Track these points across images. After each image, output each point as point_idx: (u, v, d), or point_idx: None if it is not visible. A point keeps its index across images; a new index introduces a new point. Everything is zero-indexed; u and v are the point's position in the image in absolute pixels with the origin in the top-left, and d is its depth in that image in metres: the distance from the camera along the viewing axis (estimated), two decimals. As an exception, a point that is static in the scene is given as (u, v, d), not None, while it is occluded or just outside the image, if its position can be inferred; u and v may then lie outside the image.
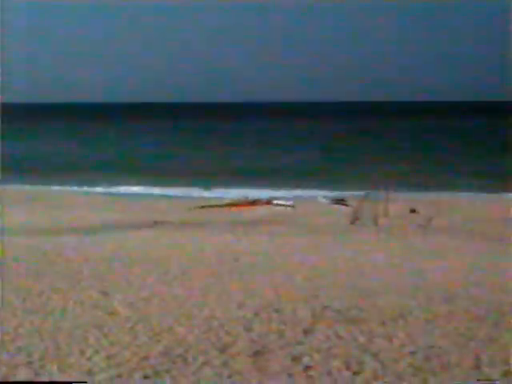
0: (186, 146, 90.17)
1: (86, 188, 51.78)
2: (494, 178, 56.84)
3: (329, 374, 10.35)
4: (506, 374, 10.44)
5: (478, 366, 10.74)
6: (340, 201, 42.52)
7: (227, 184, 52.85)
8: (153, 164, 67.94)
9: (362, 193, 41.58)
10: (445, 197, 46.63)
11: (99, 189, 51.89)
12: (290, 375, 10.25)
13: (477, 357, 11.09)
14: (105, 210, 37.49)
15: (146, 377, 10.04)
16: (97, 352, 11.03)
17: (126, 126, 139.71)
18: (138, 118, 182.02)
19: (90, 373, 10.12)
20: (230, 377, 10.14)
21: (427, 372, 10.44)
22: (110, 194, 49.38)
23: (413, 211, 36.78)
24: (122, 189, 52.16)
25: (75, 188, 51.46)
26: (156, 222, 32.13)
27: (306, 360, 10.85)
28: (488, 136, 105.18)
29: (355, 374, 10.37)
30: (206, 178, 56.09)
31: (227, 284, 16.13)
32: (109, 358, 10.71)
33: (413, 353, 11.29)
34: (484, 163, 66.53)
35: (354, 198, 40.87)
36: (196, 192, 49.97)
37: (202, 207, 40.62)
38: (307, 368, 10.57)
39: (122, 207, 39.13)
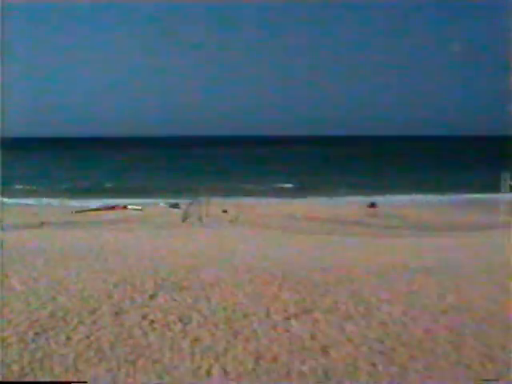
0: (70, 169, 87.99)
1: None
2: (282, 188, 58.29)
3: (167, 325, 10.41)
4: (286, 318, 10.77)
5: (268, 315, 11.02)
6: (175, 205, 42.49)
7: (94, 195, 52.04)
8: (43, 182, 66.08)
9: (190, 200, 41.78)
10: (246, 201, 47.34)
11: None
12: (140, 328, 10.26)
13: (267, 309, 11.36)
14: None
15: (36, 333, 9.85)
16: (-1, 318, 10.72)
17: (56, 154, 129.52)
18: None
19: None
20: (97, 330, 10.07)
21: (234, 320, 10.65)
22: (6, 204, 47.53)
23: (225, 211, 37.12)
24: (18, 200, 50.42)
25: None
26: (43, 223, 31.40)
27: (151, 317, 10.86)
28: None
29: (185, 324, 10.47)
30: (79, 192, 55.24)
31: (94, 266, 15.91)
32: (8, 321, 10.42)
33: (224, 308, 11.47)
34: (278, 179, 68.01)
35: (185, 203, 41.00)
36: (71, 202, 48.83)
37: (77, 212, 39.87)
38: (152, 322, 10.59)
39: (17, 213, 37.86)
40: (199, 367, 8.60)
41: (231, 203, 42.16)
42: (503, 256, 15.93)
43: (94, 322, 10.57)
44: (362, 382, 8.09)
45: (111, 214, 38.01)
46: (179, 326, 10.44)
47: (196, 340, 9.71)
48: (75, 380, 8.25)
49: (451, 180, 64.34)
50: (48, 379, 8.27)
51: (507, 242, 15.95)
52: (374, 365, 8.64)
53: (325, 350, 9.21)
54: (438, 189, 57.15)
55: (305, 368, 8.52)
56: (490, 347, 9.33)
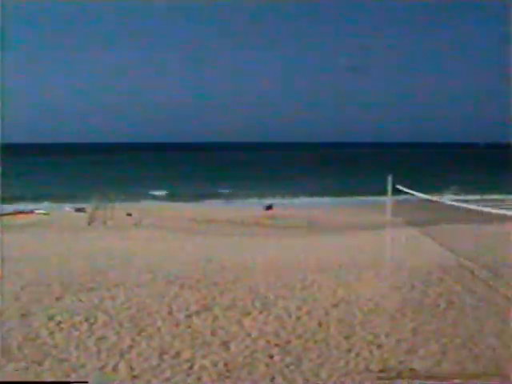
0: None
1: None
2: (186, 192, 58.16)
3: (74, 326, 10.26)
4: (188, 316, 10.79)
5: (170, 313, 11.01)
6: (81, 209, 41.59)
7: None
8: None
9: (95, 204, 41.12)
10: (150, 205, 47.08)
11: None
12: (47, 328, 10.06)
13: (170, 307, 11.36)
14: None
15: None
16: None
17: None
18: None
19: None
20: (5, 332, 9.82)
21: (139, 318, 10.60)
22: None
23: (129, 215, 36.63)
24: None
25: None
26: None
27: (58, 318, 10.67)
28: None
29: (91, 324, 10.34)
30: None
31: (2, 269, 15.42)
32: None
33: (129, 308, 11.38)
34: (183, 183, 67.75)
35: (90, 207, 40.31)
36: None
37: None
38: (59, 323, 10.40)
39: None
40: (105, 364, 8.51)
41: (135, 207, 41.68)
42: (388, 252, 16.45)
43: (2, 324, 10.29)
44: (260, 373, 8.20)
45: (18, 219, 36.91)
46: (85, 325, 10.29)
47: (102, 338, 9.61)
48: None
49: (346, 184, 65.82)
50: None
51: (391, 240, 16.47)
52: (271, 356, 8.78)
53: (225, 345, 9.29)
54: (333, 192, 58.33)
55: (206, 362, 8.57)
56: (377, 336, 9.63)
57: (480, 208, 12.70)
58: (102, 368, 8.37)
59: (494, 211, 11.61)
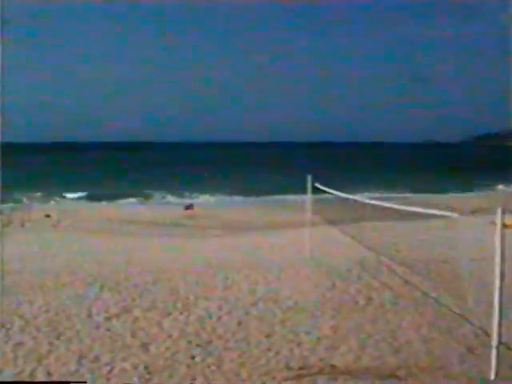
0: None
1: None
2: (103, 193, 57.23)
3: (-11, 331, 9.95)
4: (108, 318, 10.63)
5: (90, 316, 10.82)
6: (-3, 212, 40.50)
7: None
8: None
9: (12, 205, 40.14)
10: (67, 206, 46.15)
11: None
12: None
13: (90, 310, 11.16)
14: None
15: None
16: None
17: None
18: None
19: None
20: None
21: (57, 322, 10.38)
22: None
23: (47, 216, 35.84)
24: None
25: None
26: None
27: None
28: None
29: (8, 329, 10.05)
30: None
31: None
32: None
33: (47, 311, 11.13)
34: (97, 184, 66.59)
35: (7, 209, 39.31)
36: None
37: None
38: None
39: None
40: (22, 371, 8.27)
41: (54, 208, 40.81)
42: (307, 251, 16.60)
43: None
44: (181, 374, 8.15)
45: None
46: (2, 331, 9.98)
47: (18, 344, 9.33)
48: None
49: (266, 183, 66.18)
50: None
51: (311, 238, 16.64)
52: (192, 357, 8.72)
53: (145, 347, 9.18)
54: (254, 191, 58.54)
55: (126, 365, 8.44)
56: (297, 334, 9.71)
57: (397, 206, 12.95)
58: (18, 374, 8.14)
59: (412, 209, 11.86)
